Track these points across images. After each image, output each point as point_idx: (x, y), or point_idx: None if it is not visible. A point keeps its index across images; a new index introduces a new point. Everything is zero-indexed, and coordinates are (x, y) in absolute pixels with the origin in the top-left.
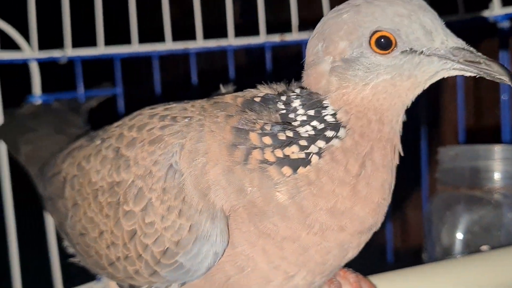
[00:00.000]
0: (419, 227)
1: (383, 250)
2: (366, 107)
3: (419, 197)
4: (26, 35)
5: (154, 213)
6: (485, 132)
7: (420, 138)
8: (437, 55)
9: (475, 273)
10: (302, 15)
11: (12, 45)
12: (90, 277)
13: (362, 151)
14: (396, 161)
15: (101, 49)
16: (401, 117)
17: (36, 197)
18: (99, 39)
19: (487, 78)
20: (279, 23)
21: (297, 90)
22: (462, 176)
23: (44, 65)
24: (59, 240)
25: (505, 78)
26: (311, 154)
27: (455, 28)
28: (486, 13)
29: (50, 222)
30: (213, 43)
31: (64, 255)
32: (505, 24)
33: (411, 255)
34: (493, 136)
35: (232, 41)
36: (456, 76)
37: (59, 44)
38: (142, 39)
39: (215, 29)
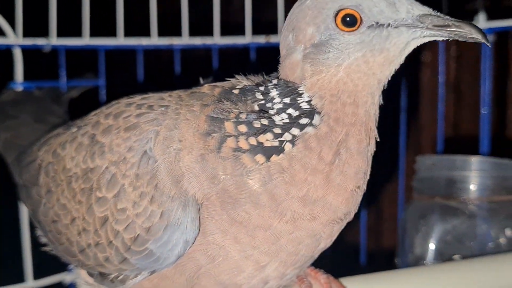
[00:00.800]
0: (394, 231)
1: (356, 252)
2: (341, 89)
3: (395, 202)
4: (11, 21)
5: (126, 199)
6: (463, 143)
7: (398, 145)
8: (405, 25)
9: (446, 281)
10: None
11: None
12: (62, 268)
13: (337, 138)
14: (373, 147)
15: (86, 40)
16: (376, 100)
17: (11, 186)
18: (85, 29)
19: (460, 39)
20: (264, 24)
21: (274, 81)
22: (438, 185)
23: (27, 52)
24: (32, 231)
25: (477, 36)
26: (285, 142)
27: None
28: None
29: (24, 213)
30: (198, 41)
31: (36, 246)
32: (489, 38)
33: (384, 258)
34: (471, 147)
35: (217, 39)
36: (438, 86)
37: (45, 33)
38: (128, 32)
39: (202, 26)
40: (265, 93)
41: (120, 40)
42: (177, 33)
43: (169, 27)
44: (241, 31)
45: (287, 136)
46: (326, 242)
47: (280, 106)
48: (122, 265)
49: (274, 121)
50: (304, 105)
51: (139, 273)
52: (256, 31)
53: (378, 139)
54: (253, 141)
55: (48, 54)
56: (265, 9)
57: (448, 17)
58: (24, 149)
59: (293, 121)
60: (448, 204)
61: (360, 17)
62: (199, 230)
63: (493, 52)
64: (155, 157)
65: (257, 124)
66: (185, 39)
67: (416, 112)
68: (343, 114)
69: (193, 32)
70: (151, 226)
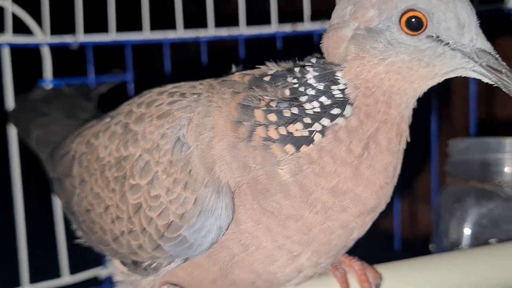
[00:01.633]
0: (428, 217)
1: (390, 238)
2: (376, 85)
3: (429, 187)
4: (38, 19)
5: (160, 186)
6: (496, 125)
7: (430, 130)
8: (462, 52)
9: (482, 265)
10: (315, 5)
11: (25, 30)
12: (97, 263)
13: (367, 132)
14: (403, 145)
15: (112, 35)
16: (411, 104)
17: (45, 183)
18: (111, 25)
19: (503, 89)
20: (291, 13)
21: (313, 60)
22: (472, 169)
23: (55, 50)
24: (67, 226)
25: None
26: (315, 132)
27: None
28: (501, 6)
29: (58, 208)
30: (224, 32)
31: (72, 242)
32: None
33: (419, 245)
34: (504, 129)
35: (243, 30)
36: None
37: (71, 30)
38: (154, 26)
39: (227, 17)
40: (300, 76)
41: (146, 34)
42: (203, 25)
43: (195, 19)
44: (267, 21)
45: (317, 127)
46: (359, 231)
47: (313, 92)
48: (155, 252)
49: (305, 109)
50: (337, 94)
51: (172, 261)
52: (282, 20)
53: (409, 140)
54: (283, 130)
55: (76, 51)
56: None
57: (504, 63)
58: (57, 144)
59: (324, 111)
60: (483, 188)
61: (426, 25)
62: (233, 217)
63: None
64: (188, 143)
65: (287, 113)
66: (211, 31)
67: (448, 96)
68: (374, 110)
69: (219, 23)
70: (184, 213)
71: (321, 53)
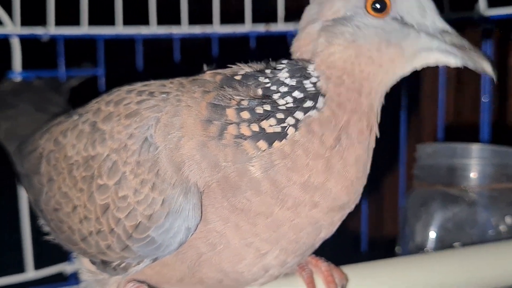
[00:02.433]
0: (395, 219)
1: (357, 240)
2: (347, 72)
3: (396, 190)
4: (9, 10)
5: (127, 187)
6: (464, 131)
7: (399, 133)
8: (426, 32)
9: (446, 268)
10: (289, 5)
11: None
12: (63, 258)
13: (339, 123)
14: (373, 141)
15: (84, 29)
16: (380, 94)
17: (10, 175)
18: (83, 18)
19: (471, 66)
20: (265, 12)
21: (284, 61)
22: (438, 173)
23: (25, 41)
24: (33, 219)
25: (488, 70)
26: (288, 126)
27: None
28: (471, 14)
29: (24, 201)
30: (197, 29)
31: (37, 236)
32: (489, 25)
33: (385, 246)
34: (472, 134)
35: (217, 28)
36: (438, 74)
37: (42, 22)
38: (127, 21)
39: (201, 15)
40: (271, 76)
41: (119, 29)
42: (177, 21)
43: (168, 15)
44: (240, 20)
45: (290, 120)
46: (327, 231)
47: (285, 89)
48: (124, 252)
49: (278, 105)
50: (310, 87)
51: (141, 261)
52: (256, 20)
53: (378, 136)
54: (255, 127)
55: (46, 43)
56: None
57: (466, 41)
58: (25, 138)
59: (297, 105)
60: (449, 192)
61: (390, 7)
62: (201, 217)
63: (494, 40)
64: (156, 144)
65: (259, 110)
66: (184, 28)
67: (417, 100)
68: (346, 100)
69: (192, 21)
70: (152, 214)
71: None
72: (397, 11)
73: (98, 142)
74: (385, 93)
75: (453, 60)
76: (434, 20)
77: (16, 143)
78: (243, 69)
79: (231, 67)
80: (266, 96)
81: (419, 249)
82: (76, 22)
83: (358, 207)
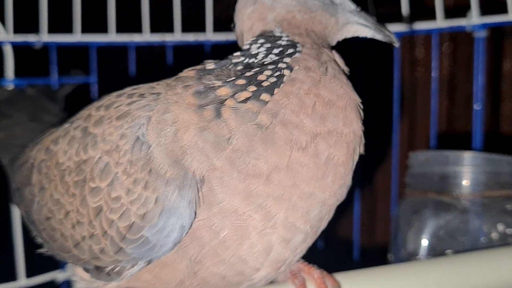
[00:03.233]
0: (387, 227)
1: (349, 247)
2: (308, 28)
3: (388, 197)
4: (1, 17)
5: (120, 187)
6: (456, 138)
7: (392, 141)
8: (347, 10)
9: (439, 276)
10: None
11: None
12: (54, 266)
13: (318, 55)
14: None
15: (77, 36)
16: (329, 42)
17: (4, 185)
18: (76, 26)
19: (379, 37)
20: None
21: (247, 42)
22: (431, 181)
23: (18, 49)
24: (25, 227)
25: (392, 38)
26: (282, 70)
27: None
28: (463, 22)
29: (16, 213)
30: (190, 37)
31: (29, 245)
32: (481, 34)
33: (377, 254)
34: (464, 142)
35: (210, 36)
36: (430, 82)
37: (35, 29)
38: (120, 29)
39: (194, 22)
40: (243, 53)
41: (112, 36)
42: (170, 29)
43: (161, 23)
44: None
45: (282, 65)
46: (329, 204)
47: (264, 53)
48: (117, 255)
49: (264, 62)
50: (285, 43)
51: (135, 263)
52: None
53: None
54: (252, 88)
55: (39, 51)
56: None
57: (374, 18)
58: (19, 149)
59: (281, 56)
60: (441, 200)
61: None
62: (196, 213)
63: (486, 47)
64: (148, 142)
65: (250, 73)
66: (177, 36)
67: (410, 108)
68: (314, 42)
69: (185, 28)
70: (146, 213)
71: None
72: None
73: (90, 146)
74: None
75: (368, 31)
76: (350, 3)
77: (11, 154)
78: (210, 62)
79: (201, 64)
80: (248, 66)
81: (411, 256)
82: (69, 29)
83: (350, 215)
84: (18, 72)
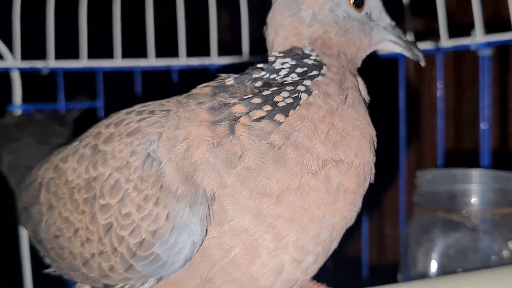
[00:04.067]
0: (396, 246)
1: (358, 266)
2: (341, 50)
3: (397, 217)
4: (9, 44)
5: (131, 204)
6: (464, 156)
7: (399, 160)
8: (383, 27)
9: None
10: None
11: None
12: (62, 286)
13: (341, 81)
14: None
15: (84, 62)
16: (358, 63)
17: (12, 208)
18: (82, 51)
19: (408, 54)
20: (262, 42)
21: (275, 53)
22: (439, 199)
23: (26, 75)
24: (32, 251)
25: (420, 57)
26: (300, 93)
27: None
28: (468, 41)
29: (23, 233)
30: (195, 61)
31: (36, 266)
32: (486, 52)
33: (387, 274)
34: (472, 160)
35: (214, 60)
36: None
37: (42, 55)
38: (126, 54)
39: (200, 46)
40: (266, 68)
41: (118, 61)
42: (175, 54)
43: (167, 48)
44: (238, 51)
45: (300, 88)
46: (339, 228)
47: (286, 71)
48: (127, 273)
49: (284, 82)
50: (311, 62)
51: (145, 281)
52: (253, 51)
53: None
54: (267, 108)
55: (46, 77)
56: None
57: (405, 35)
58: (26, 171)
59: (303, 77)
60: (450, 218)
61: (365, 4)
62: (207, 230)
63: (492, 66)
64: (159, 158)
65: (267, 92)
66: (182, 60)
67: (417, 127)
68: (341, 66)
69: (190, 53)
70: (157, 229)
71: None
72: (368, 8)
73: (99, 163)
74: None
75: (397, 48)
76: (385, 16)
77: (18, 176)
78: (229, 77)
79: (220, 78)
80: (267, 84)
81: (421, 276)
82: (75, 55)
83: (359, 233)
84: (25, 98)
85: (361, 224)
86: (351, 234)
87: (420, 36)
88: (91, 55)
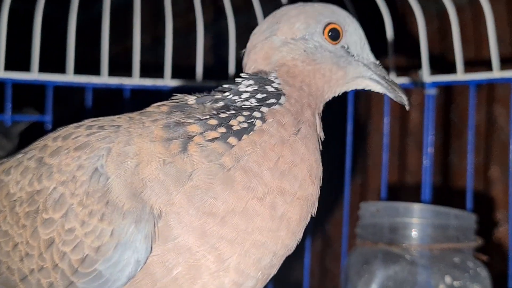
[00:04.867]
0: (337, 276)
1: None
2: (305, 81)
3: (340, 247)
4: None
5: (75, 219)
6: (407, 190)
7: (343, 192)
8: (362, 63)
9: None
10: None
11: None
12: None
13: (297, 113)
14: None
15: (34, 75)
16: (324, 101)
17: None
18: (34, 64)
19: (391, 95)
20: (216, 67)
21: (244, 75)
22: (381, 231)
23: None
24: None
25: (403, 99)
26: (255, 119)
27: None
28: (416, 79)
29: None
30: (148, 82)
31: None
32: (432, 92)
33: None
34: (415, 194)
35: (168, 81)
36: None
37: None
38: (79, 70)
39: (155, 68)
40: (230, 89)
41: (70, 77)
42: (128, 74)
43: (120, 67)
44: (192, 75)
45: (256, 114)
46: (290, 237)
47: (247, 95)
48: None
49: (242, 106)
50: (272, 90)
51: None
52: (207, 76)
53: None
54: (222, 130)
55: None
56: (219, 51)
57: (388, 74)
58: None
59: (261, 103)
60: (391, 251)
61: (342, 37)
62: (151, 247)
63: (436, 105)
64: (107, 173)
65: (224, 115)
66: (135, 80)
67: (363, 159)
68: (301, 98)
69: (144, 73)
70: (100, 245)
71: None
72: (345, 42)
73: (44, 176)
74: (327, 100)
75: (380, 88)
76: (368, 54)
77: None
78: (190, 97)
79: (173, 98)
80: (226, 106)
81: None
82: (27, 68)
83: (300, 264)
84: None
85: (303, 254)
86: (293, 263)
87: None
88: (43, 68)
